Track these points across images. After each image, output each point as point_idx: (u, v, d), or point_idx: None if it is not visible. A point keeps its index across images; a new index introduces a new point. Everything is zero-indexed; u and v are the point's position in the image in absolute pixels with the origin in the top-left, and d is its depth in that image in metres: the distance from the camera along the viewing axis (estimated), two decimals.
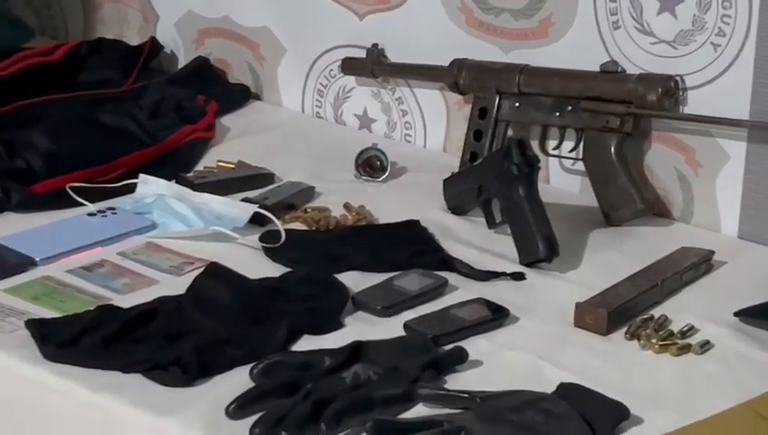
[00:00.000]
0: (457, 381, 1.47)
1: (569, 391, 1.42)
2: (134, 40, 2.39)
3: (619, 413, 1.39)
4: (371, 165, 2.01)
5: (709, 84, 1.85)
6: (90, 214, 1.83)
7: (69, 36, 2.48)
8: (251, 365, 1.46)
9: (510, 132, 1.98)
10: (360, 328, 1.58)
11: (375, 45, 2.13)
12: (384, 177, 2.00)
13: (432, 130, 2.14)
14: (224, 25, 2.29)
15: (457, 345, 1.52)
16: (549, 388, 1.44)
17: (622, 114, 1.88)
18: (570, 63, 1.95)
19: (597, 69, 1.92)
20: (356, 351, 1.48)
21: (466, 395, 1.41)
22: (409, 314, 1.61)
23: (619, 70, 1.91)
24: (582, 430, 1.36)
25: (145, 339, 1.52)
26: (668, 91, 1.86)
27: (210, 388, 1.44)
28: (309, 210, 1.88)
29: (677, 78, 1.86)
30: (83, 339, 1.50)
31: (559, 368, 1.50)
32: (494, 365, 1.51)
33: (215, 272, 1.63)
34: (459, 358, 1.50)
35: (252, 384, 1.44)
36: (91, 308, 1.58)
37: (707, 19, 1.82)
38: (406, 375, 1.44)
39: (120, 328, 1.52)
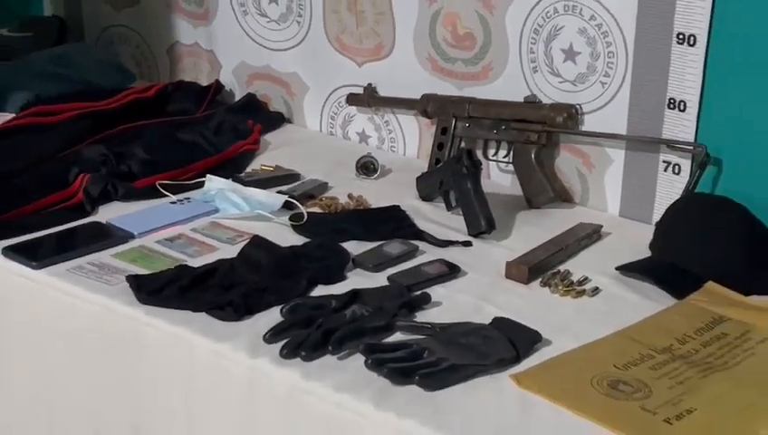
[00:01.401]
0: (424, 316, 1.46)
1: (500, 323, 1.41)
2: (204, 82, 2.36)
3: (534, 337, 1.39)
4: (367, 167, 1.98)
5: (599, 110, 1.83)
6: (172, 202, 1.80)
7: (160, 79, 2.45)
8: (280, 306, 1.46)
9: (462, 144, 1.96)
10: (357, 280, 1.56)
11: (370, 84, 2.10)
12: (376, 176, 1.98)
13: (409, 143, 2.11)
14: (266, 72, 2.26)
15: (424, 291, 1.51)
16: (487, 321, 1.44)
17: (539, 131, 1.86)
18: (503, 96, 1.92)
19: (522, 100, 1.89)
20: (354, 295, 1.47)
21: (429, 326, 1.40)
22: (392, 271, 1.59)
23: (537, 101, 1.88)
24: (509, 349, 1.35)
25: (208, 289, 1.50)
26: (571, 115, 1.84)
27: (253, 323, 1.43)
28: (323, 199, 1.86)
29: (577, 106, 1.84)
30: (166, 289, 1.48)
31: (494, 306, 1.49)
32: (449, 306, 1.50)
33: (257, 242, 1.62)
34: (425, 300, 1.49)
35: (281, 319, 1.43)
36: (172, 268, 1.56)
37: (597, 66, 1.80)
38: (388, 312, 1.43)
39: (191, 281, 1.50)
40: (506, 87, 1.93)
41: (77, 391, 1.54)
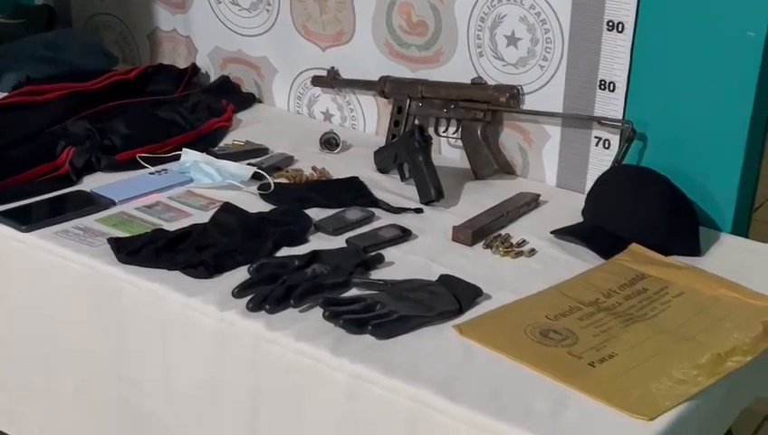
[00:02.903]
0: (378, 274, 1.48)
1: (445, 279, 1.43)
2: (182, 65, 2.35)
3: (476, 292, 1.41)
4: (329, 142, 1.99)
5: (538, 91, 1.84)
6: (150, 173, 1.80)
7: (141, 63, 2.44)
8: (248, 266, 1.47)
9: (416, 122, 1.97)
10: (318, 243, 1.57)
11: (332, 68, 2.11)
12: (338, 150, 1.98)
13: (368, 120, 2.12)
14: (239, 56, 2.26)
15: (379, 252, 1.52)
16: (434, 278, 1.46)
17: (485, 110, 1.88)
18: (452, 78, 1.94)
19: (469, 82, 1.91)
20: (314, 256, 1.48)
21: (382, 282, 1.42)
22: (351, 235, 1.60)
23: (483, 82, 1.90)
24: (452, 302, 1.37)
25: (182, 250, 1.51)
26: (513, 95, 1.85)
27: (223, 279, 1.44)
28: (289, 171, 1.86)
29: (519, 87, 1.86)
30: (143, 250, 1.49)
31: (441, 266, 1.51)
32: (401, 265, 1.51)
33: (227, 208, 1.63)
34: (379, 260, 1.51)
35: (248, 277, 1.44)
36: (149, 231, 1.57)
37: (537, 51, 1.82)
38: (345, 271, 1.44)
39: (166, 243, 1.51)
40: (455, 70, 1.94)
41: (67, 344, 1.55)
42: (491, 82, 1.89)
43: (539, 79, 1.84)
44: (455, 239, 1.61)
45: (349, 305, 1.34)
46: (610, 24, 1.72)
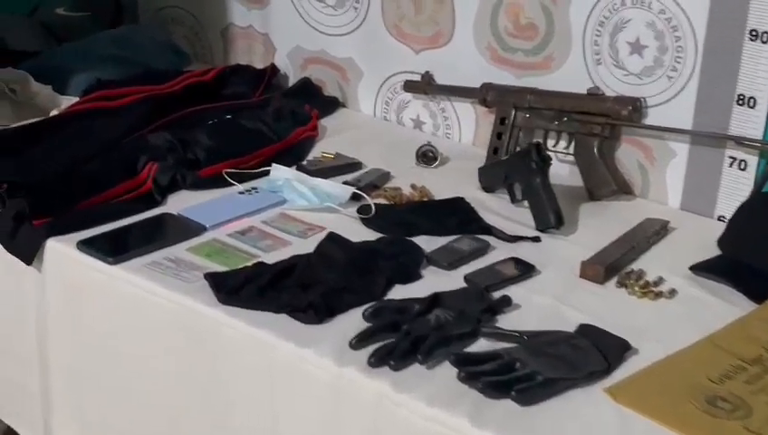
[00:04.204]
0: (504, 319, 1.32)
1: (587, 330, 1.27)
2: (258, 64, 2.20)
3: (624, 346, 1.25)
4: (426, 156, 1.83)
5: (664, 104, 1.67)
6: (240, 192, 1.65)
7: (214, 61, 2.29)
8: (362, 308, 1.31)
9: (521, 135, 1.80)
10: (432, 279, 1.42)
11: (427, 72, 1.94)
12: (436, 164, 1.83)
13: (465, 130, 1.95)
14: (321, 56, 2.10)
15: (505, 294, 1.36)
16: (567, 324, 1.30)
17: (603, 124, 1.71)
18: (561, 87, 1.77)
19: (584, 92, 1.74)
20: (435, 299, 1.33)
21: (517, 334, 1.26)
22: (465, 268, 1.44)
23: (600, 93, 1.73)
24: (600, 360, 1.21)
25: (287, 288, 1.35)
26: (636, 108, 1.68)
27: (335, 324, 1.29)
28: (387, 189, 1.70)
29: (642, 99, 1.69)
30: (245, 288, 1.34)
31: (572, 309, 1.35)
32: (528, 308, 1.35)
33: (332, 238, 1.47)
34: (506, 303, 1.34)
35: (364, 323, 1.28)
36: (248, 264, 1.41)
37: (665, 60, 1.65)
38: (471, 317, 1.29)
39: (269, 280, 1.36)
40: (566, 78, 1.77)
41: (156, 387, 1.41)
42: (608, 93, 1.72)
43: (665, 91, 1.66)
44: (583, 276, 1.45)
45: (485, 364, 1.18)
46: (754, 33, 1.54)
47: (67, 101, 1.92)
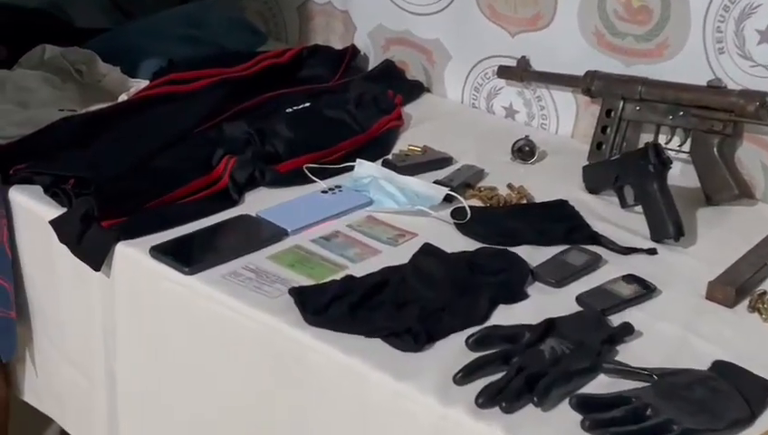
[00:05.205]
0: (626, 351, 1.17)
1: (724, 369, 1.12)
2: (336, 44, 2.06)
3: (766, 388, 1.09)
4: (523, 150, 1.68)
5: None
6: (323, 191, 1.51)
7: (288, 40, 2.15)
8: (465, 335, 1.16)
9: (628, 129, 1.64)
10: (538, 298, 1.27)
11: (524, 57, 1.78)
12: (533, 160, 1.67)
13: (563, 121, 1.79)
14: (405, 36, 1.95)
15: (626, 321, 1.20)
16: (698, 358, 1.15)
17: (725, 120, 1.54)
18: (676, 77, 1.60)
19: (703, 84, 1.57)
20: (549, 326, 1.18)
21: (645, 371, 1.10)
22: (575, 285, 1.29)
23: (722, 85, 1.55)
24: (742, 407, 1.06)
25: (379, 306, 1.22)
26: (764, 104, 1.51)
27: (435, 352, 1.16)
28: (482, 189, 1.55)
29: None
30: (333, 306, 1.20)
31: (702, 339, 1.21)
32: (651, 337, 1.20)
33: (427, 250, 1.33)
34: (628, 332, 1.19)
35: (467, 352, 1.14)
36: (336, 277, 1.27)
37: None
38: (590, 349, 1.14)
39: (360, 298, 1.22)
40: (683, 68, 1.60)
41: (231, 416, 1.28)
42: (732, 86, 1.55)
43: None
44: (710, 298, 1.29)
45: (612, 410, 1.04)
46: None
47: (136, 85, 1.79)
